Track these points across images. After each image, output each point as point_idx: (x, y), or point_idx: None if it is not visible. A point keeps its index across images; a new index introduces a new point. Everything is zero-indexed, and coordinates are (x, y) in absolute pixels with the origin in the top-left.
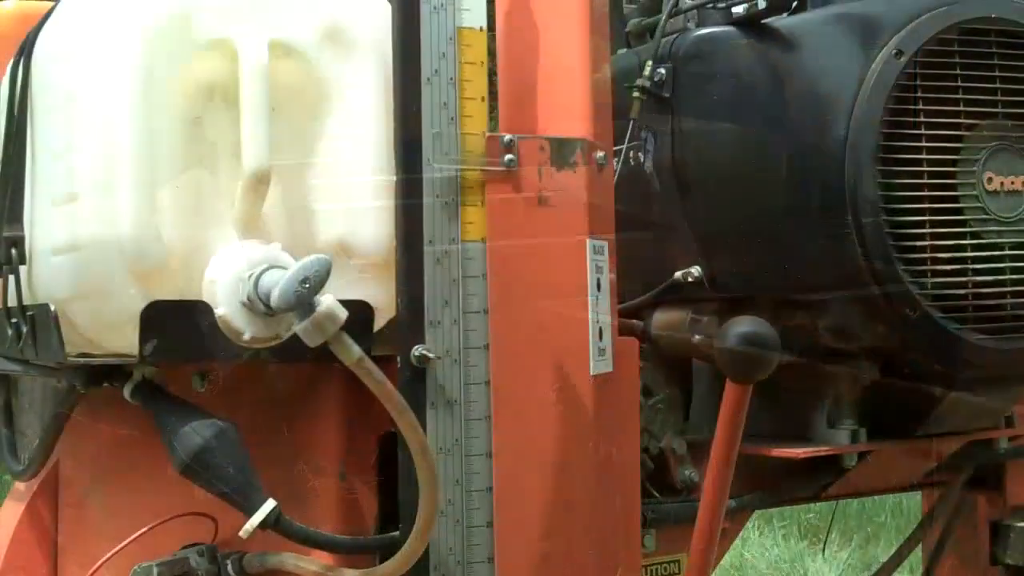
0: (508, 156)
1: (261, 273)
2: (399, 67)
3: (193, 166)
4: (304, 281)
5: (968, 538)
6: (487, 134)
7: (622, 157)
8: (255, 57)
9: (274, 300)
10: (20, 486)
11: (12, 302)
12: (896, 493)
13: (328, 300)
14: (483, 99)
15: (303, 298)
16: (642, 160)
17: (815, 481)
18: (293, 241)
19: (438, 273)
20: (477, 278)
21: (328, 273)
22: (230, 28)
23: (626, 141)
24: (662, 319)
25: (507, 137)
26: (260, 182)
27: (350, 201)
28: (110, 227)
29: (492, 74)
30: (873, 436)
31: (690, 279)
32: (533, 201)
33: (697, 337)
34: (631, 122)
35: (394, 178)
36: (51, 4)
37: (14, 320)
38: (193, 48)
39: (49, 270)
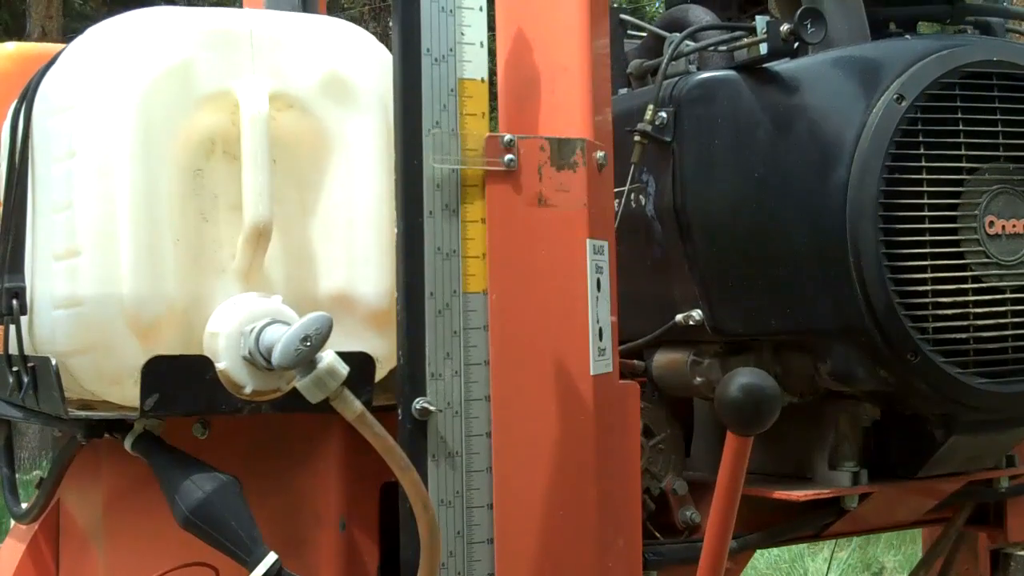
0: (508, 156)
1: (263, 328)
2: (400, 119)
3: (194, 218)
4: (305, 339)
5: (969, 568)
6: (488, 134)
7: (624, 200)
8: (256, 109)
9: (275, 358)
10: (21, 525)
11: (13, 349)
12: (898, 530)
13: (329, 356)
14: (483, 150)
15: (304, 356)
16: (643, 203)
17: (816, 521)
18: (294, 292)
19: (439, 325)
20: (478, 330)
21: (329, 331)
22: (231, 80)
23: (628, 183)
24: (663, 359)
25: (507, 137)
26: (261, 235)
27: (351, 252)
28: (111, 283)
29: (492, 74)
30: (875, 477)
31: (691, 323)
32: (533, 201)
33: (698, 379)
34: (632, 165)
35: (395, 229)
36: (51, 47)
37: (15, 369)
38: (194, 100)
39: (50, 323)
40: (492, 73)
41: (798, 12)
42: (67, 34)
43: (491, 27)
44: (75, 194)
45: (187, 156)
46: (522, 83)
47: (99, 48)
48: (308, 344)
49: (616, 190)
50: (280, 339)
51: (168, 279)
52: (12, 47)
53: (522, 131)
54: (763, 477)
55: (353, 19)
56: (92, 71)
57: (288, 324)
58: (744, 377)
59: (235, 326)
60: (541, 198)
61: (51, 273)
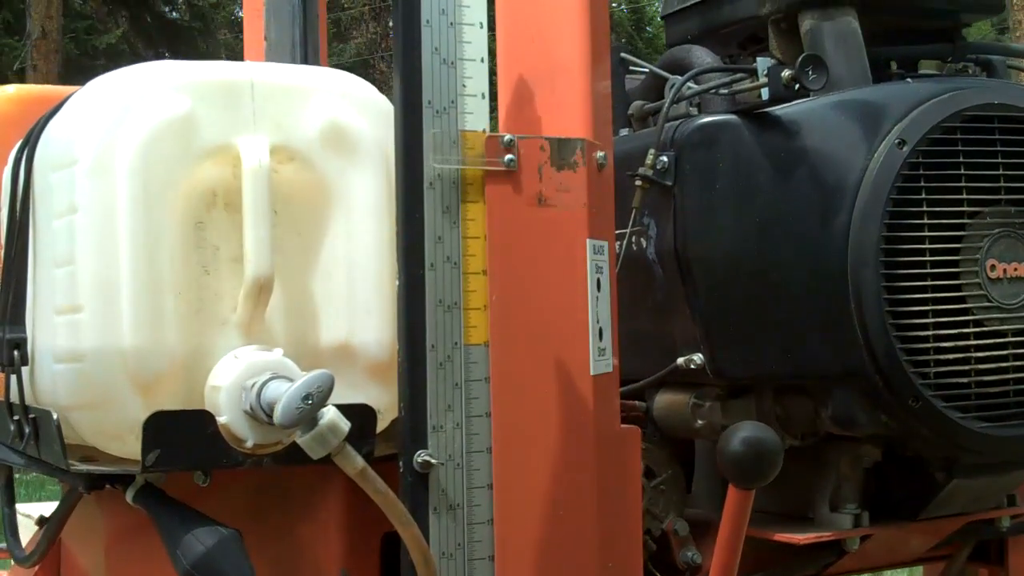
0: (508, 156)
1: (264, 383)
2: (402, 171)
3: (195, 271)
4: (307, 398)
5: None
6: (488, 134)
7: (625, 242)
8: (257, 163)
9: (277, 417)
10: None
11: (15, 398)
12: (900, 567)
13: (331, 413)
14: (484, 202)
15: (306, 415)
16: (644, 246)
17: (817, 561)
18: (295, 343)
19: (441, 377)
20: (480, 382)
21: (331, 389)
22: (232, 134)
23: (629, 225)
24: (664, 401)
25: (507, 137)
26: (263, 289)
27: (352, 303)
28: (113, 340)
29: (492, 74)
30: (876, 518)
31: (692, 366)
32: (533, 201)
33: (700, 422)
34: (633, 209)
35: (396, 281)
36: (51, 89)
37: (16, 418)
38: (195, 155)
39: (52, 376)
40: (492, 73)
41: (800, 58)
42: (67, 34)
43: (491, 27)
44: (77, 250)
45: (188, 209)
46: (522, 83)
47: (100, 102)
48: (310, 402)
49: (617, 232)
50: (282, 397)
51: (170, 334)
52: (13, 89)
53: (522, 131)
54: (764, 516)
55: (353, 19)
56: (93, 126)
57: (289, 379)
58: (746, 431)
59: (236, 380)
60: (541, 198)
61: (52, 326)
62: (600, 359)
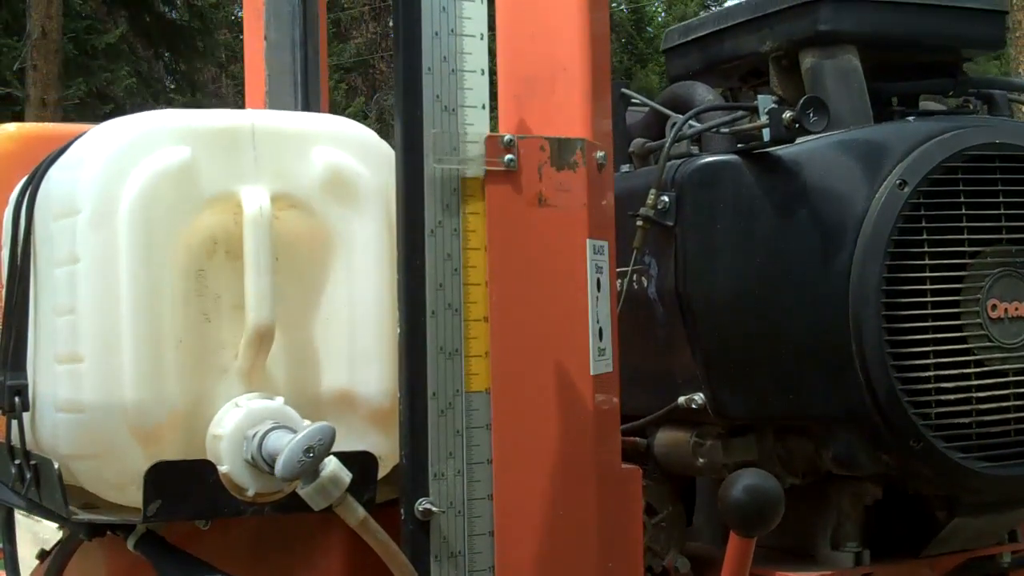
0: (508, 156)
1: (266, 433)
2: (403, 219)
3: (196, 319)
4: (308, 451)
5: None
6: (488, 134)
7: (626, 281)
8: (258, 211)
9: (278, 470)
10: None
11: (15, 441)
12: None
13: (332, 464)
14: (485, 249)
15: (307, 468)
16: (646, 284)
17: None
18: (296, 391)
19: (442, 425)
20: (481, 428)
21: (332, 441)
22: (233, 183)
23: (631, 264)
24: (665, 439)
25: (507, 137)
26: (264, 338)
27: (353, 351)
28: (114, 392)
29: (492, 73)
30: (877, 555)
31: (693, 406)
32: (533, 201)
33: (701, 460)
34: (635, 249)
35: (397, 329)
36: (52, 128)
37: (18, 461)
38: (196, 204)
39: (53, 424)
40: (492, 73)
41: (801, 101)
42: (67, 34)
43: (491, 27)
44: (78, 300)
45: (189, 258)
46: (522, 83)
47: (101, 152)
48: (311, 455)
49: (618, 270)
50: (283, 449)
51: (171, 384)
52: (14, 128)
53: (522, 131)
54: (766, 552)
55: (353, 19)
56: (94, 176)
57: (291, 429)
58: (748, 478)
59: (238, 429)
60: (541, 198)
61: (53, 374)
62: (600, 359)
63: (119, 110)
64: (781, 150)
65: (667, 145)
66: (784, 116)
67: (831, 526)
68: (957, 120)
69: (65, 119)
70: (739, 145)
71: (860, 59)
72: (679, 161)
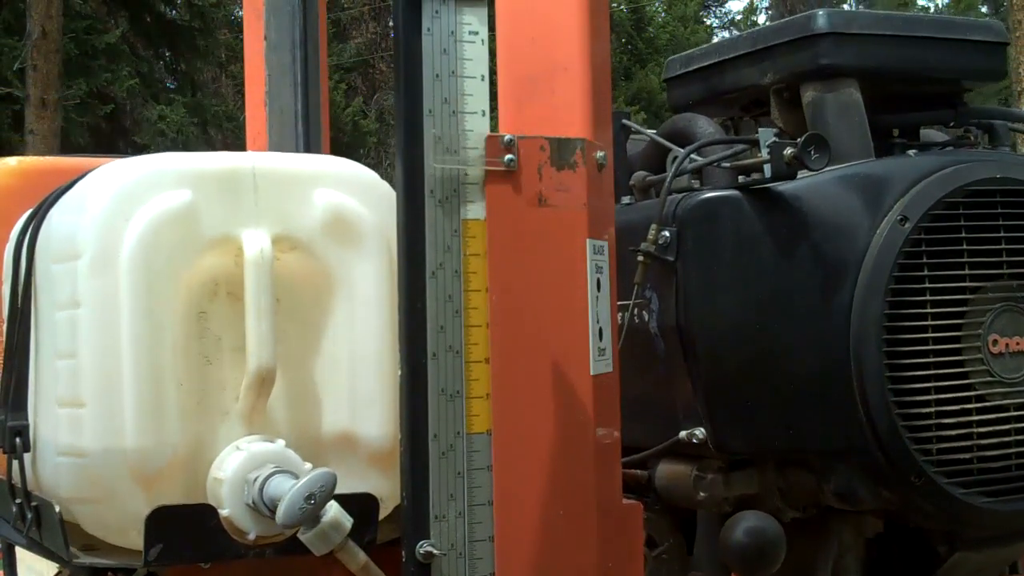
0: (508, 156)
1: (267, 478)
2: (404, 261)
3: (197, 361)
4: (309, 498)
5: None
6: (488, 134)
7: (628, 314)
8: (259, 254)
9: (279, 517)
10: None
11: (16, 480)
12: None
13: (333, 510)
14: (486, 290)
15: (308, 514)
16: (647, 319)
17: None
18: (297, 433)
19: (443, 467)
20: (482, 470)
21: (333, 488)
22: (234, 225)
23: (632, 298)
24: (666, 471)
25: (507, 137)
26: (265, 381)
27: (354, 392)
28: (115, 438)
29: (492, 73)
30: None
31: (695, 440)
32: (533, 201)
33: (702, 494)
34: (636, 284)
35: (398, 371)
36: (53, 162)
37: (19, 501)
38: (198, 247)
39: (54, 467)
40: (492, 72)
41: (803, 138)
42: (67, 34)
43: (491, 27)
44: (79, 345)
45: (191, 300)
46: (522, 83)
47: (102, 196)
48: (312, 502)
49: (620, 303)
50: (284, 496)
51: (172, 428)
52: (15, 162)
53: (522, 131)
54: None
55: (353, 19)
56: (95, 220)
57: (292, 473)
58: (749, 521)
59: (239, 473)
60: (541, 198)
61: (54, 417)
62: (600, 359)
63: (119, 110)
64: (782, 185)
65: (668, 180)
66: (785, 152)
67: (832, 558)
68: (958, 154)
69: (65, 119)
70: (740, 180)
71: (861, 91)
72: (680, 196)
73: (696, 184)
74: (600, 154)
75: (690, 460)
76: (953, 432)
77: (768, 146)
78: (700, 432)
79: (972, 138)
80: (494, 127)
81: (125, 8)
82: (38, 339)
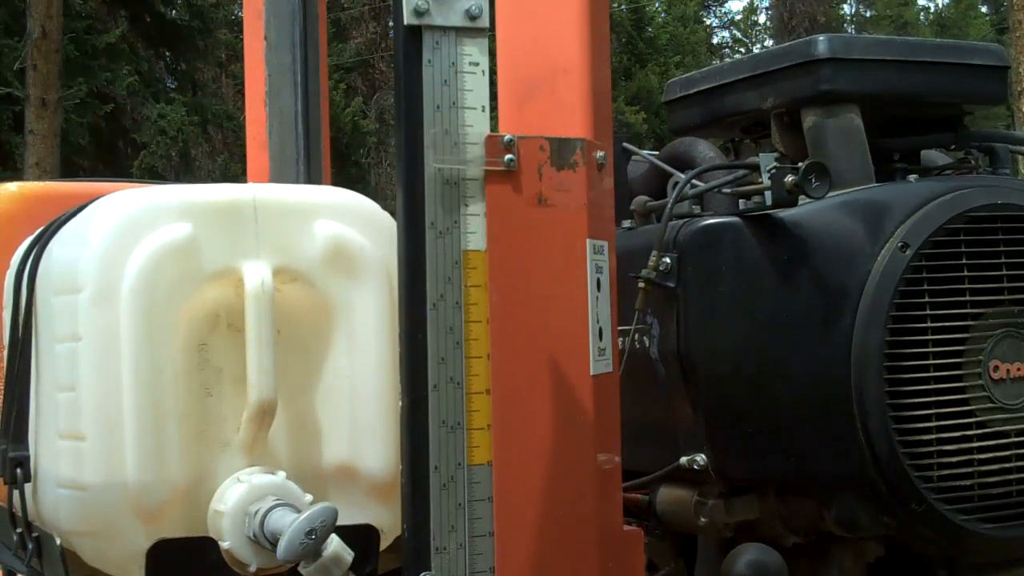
0: (508, 156)
1: (268, 511)
2: (405, 292)
3: (198, 393)
4: (310, 533)
5: None
6: (488, 134)
7: (629, 340)
8: (260, 287)
9: (280, 552)
10: None
11: (17, 508)
12: None
13: (334, 545)
14: (487, 322)
15: (309, 549)
16: (647, 344)
17: None
18: (298, 464)
19: (444, 498)
20: (483, 501)
21: (334, 522)
22: (235, 257)
23: (633, 324)
24: (667, 496)
25: (507, 137)
26: (266, 413)
27: (355, 424)
28: (115, 472)
29: (492, 73)
30: None
31: (696, 467)
32: (533, 201)
33: (703, 520)
34: (636, 310)
35: (399, 402)
36: (54, 187)
37: (19, 530)
38: (198, 280)
39: (54, 499)
40: (492, 72)
41: (803, 166)
42: (67, 34)
43: (491, 27)
44: (79, 379)
45: (191, 332)
46: (522, 83)
47: (102, 230)
48: (313, 537)
49: (620, 328)
50: (285, 531)
51: (172, 461)
52: (15, 187)
53: (522, 131)
54: None
55: (353, 19)
56: (95, 254)
57: (292, 507)
58: (750, 554)
59: (240, 505)
60: (541, 198)
61: (55, 449)
62: (600, 359)
63: (119, 110)
64: (783, 212)
65: (669, 206)
66: (786, 180)
67: None
68: (959, 180)
69: (65, 119)
70: (741, 206)
71: (862, 116)
72: (681, 222)
73: (697, 209)
74: (600, 154)
75: (691, 485)
76: (954, 458)
77: (769, 173)
78: (701, 458)
79: (973, 161)
80: (494, 127)
81: (125, 8)
82: (39, 370)
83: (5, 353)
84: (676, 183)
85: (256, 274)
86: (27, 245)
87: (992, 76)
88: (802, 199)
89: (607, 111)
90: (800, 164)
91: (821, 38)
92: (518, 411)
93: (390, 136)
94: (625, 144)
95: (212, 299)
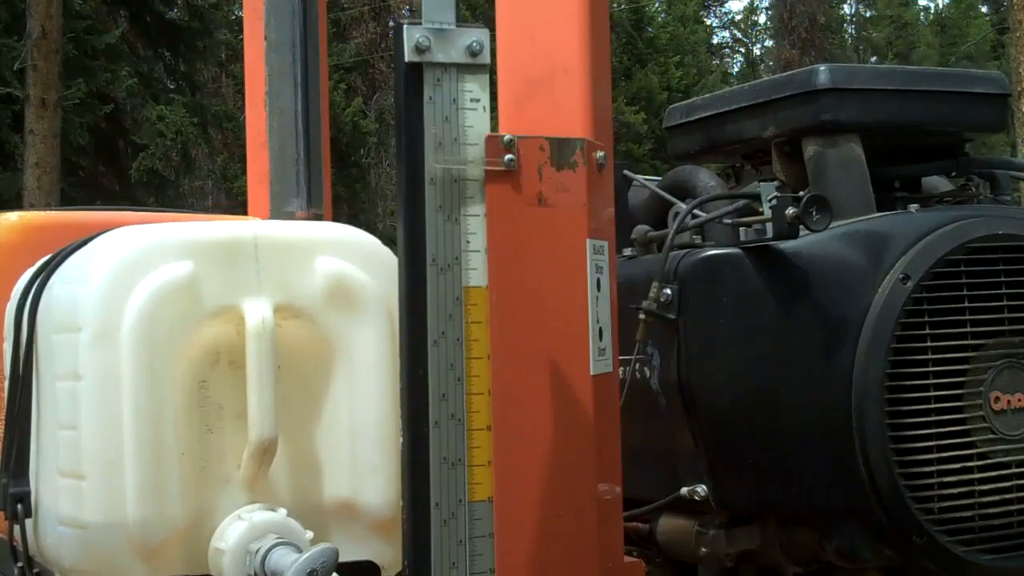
0: (508, 156)
1: (269, 550)
2: (406, 329)
3: (199, 430)
4: (311, 573)
5: None
6: (488, 134)
7: (629, 370)
8: (261, 324)
9: None
10: None
11: (18, 543)
12: None
13: None
14: (488, 358)
15: None
16: (648, 375)
17: None
18: (299, 500)
19: (445, 535)
20: (484, 538)
21: (335, 564)
22: (235, 295)
23: (634, 354)
24: (668, 525)
25: (507, 137)
26: (267, 450)
27: (356, 460)
28: (116, 511)
29: (492, 73)
30: None
31: (696, 498)
32: (533, 201)
33: (703, 550)
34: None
35: (401, 439)
36: (54, 217)
37: (20, 564)
38: (199, 317)
39: (55, 536)
40: (492, 72)
41: (804, 199)
42: (67, 34)
43: (491, 27)
44: (80, 418)
45: (192, 370)
46: (522, 83)
47: (102, 269)
48: None
49: (621, 358)
50: (286, 571)
51: (173, 500)
52: (15, 217)
53: (522, 131)
54: None
55: (353, 19)
56: (95, 294)
57: (294, 545)
58: None
59: (240, 543)
60: (541, 198)
61: (56, 487)
62: (600, 359)
63: (119, 110)
64: (783, 243)
65: (670, 237)
66: (787, 212)
67: None
68: (959, 210)
69: (65, 119)
70: (742, 237)
71: (863, 145)
72: (682, 253)
73: (698, 239)
74: (600, 154)
75: (692, 515)
76: (955, 490)
77: (770, 205)
78: (702, 489)
79: (974, 188)
80: (494, 127)
81: (125, 8)
82: (40, 406)
83: (6, 388)
84: (677, 213)
85: (257, 312)
86: (28, 277)
87: (992, 104)
88: (803, 233)
89: (607, 111)
90: (801, 194)
91: (822, 68)
92: (517, 409)
93: (390, 136)
94: (626, 172)
95: (213, 336)
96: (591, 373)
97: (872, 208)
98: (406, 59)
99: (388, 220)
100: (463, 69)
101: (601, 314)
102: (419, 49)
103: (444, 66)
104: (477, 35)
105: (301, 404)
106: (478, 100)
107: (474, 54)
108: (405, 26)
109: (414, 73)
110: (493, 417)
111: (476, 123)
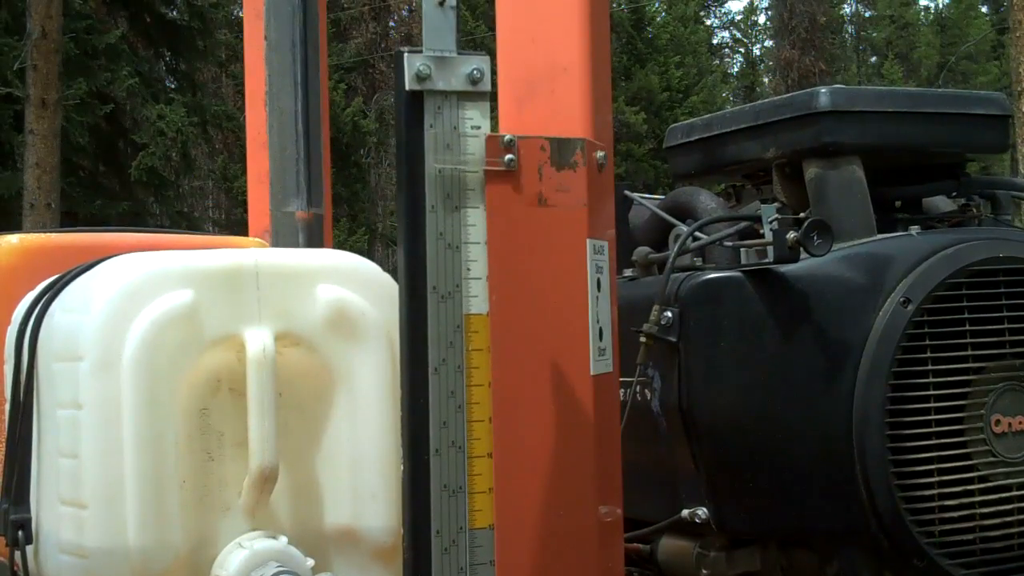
0: (508, 156)
1: None
2: (407, 357)
3: (200, 458)
4: None
5: None
6: (488, 134)
7: (631, 391)
8: (261, 352)
9: None
10: None
11: (19, 569)
12: None
13: None
14: (489, 385)
15: None
16: (649, 398)
17: None
18: (300, 528)
19: (446, 562)
20: (485, 565)
21: None
22: (236, 323)
23: (635, 376)
24: (669, 547)
25: (507, 137)
26: (268, 478)
27: (357, 488)
28: (117, 540)
29: (492, 73)
30: None
31: (697, 520)
32: (533, 201)
33: (704, 572)
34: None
35: (401, 466)
36: (54, 238)
37: None
38: (200, 345)
39: (56, 563)
40: (492, 72)
41: (805, 224)
42: (67, 34)
43: (491, 26)
44: (81, 446)
45: (193, 398)
46: (522, 83)
47: (103, 298)
48: None
49: (622, 380)
50: None
51: (174, 528)
52: (16, 239)
53: (522, 131)
54: None
55: (353, 19)
56: (96, 324)
57: (294, 573)
58: None
59: (241, 571)
60: (541, 198)
61: (57, 514)
62: (600, 359)
63: (119, 110)
64: (784, 266)
65: (671, 259)
66: (788, 237)
67: None
68: (960, 233)
69: (65, 119)
70: (743, 261)
71: (863, 166)
72: (683, 276)
73: (699, 261)
74: (600, 154)
75: (693, 537)
76: (956, 513)
77: (771, 228)
78: (702, 512)
79: (975, 208)
80: (494, 127)
81: (125, 8)
82: (40, 433)
83: (7, 413)
84: (678, 235)
85: (258, 340)
86: (29, 303)
87: (993, 126)
88: (804, 256)
89: (607, 111)
90: (802, 216)
91: (823, 90)
92: (516, 406)
93: (390, 136)
94: (626, 192)
95: (214, 364)
96: (591, 373)
97: (873, 230)
98: (407, 87)
99: (388, 220)
100: (464, 97)
101: (601, 314)
102: (420, 77)
103: (445, 94)
104: (478, 63)
105: (302, 431)
106: (479, 127)
107: (475, 82)
108: (406, 54)
109: (415, 101)
110: (493, 412)
111: (477, 150)
